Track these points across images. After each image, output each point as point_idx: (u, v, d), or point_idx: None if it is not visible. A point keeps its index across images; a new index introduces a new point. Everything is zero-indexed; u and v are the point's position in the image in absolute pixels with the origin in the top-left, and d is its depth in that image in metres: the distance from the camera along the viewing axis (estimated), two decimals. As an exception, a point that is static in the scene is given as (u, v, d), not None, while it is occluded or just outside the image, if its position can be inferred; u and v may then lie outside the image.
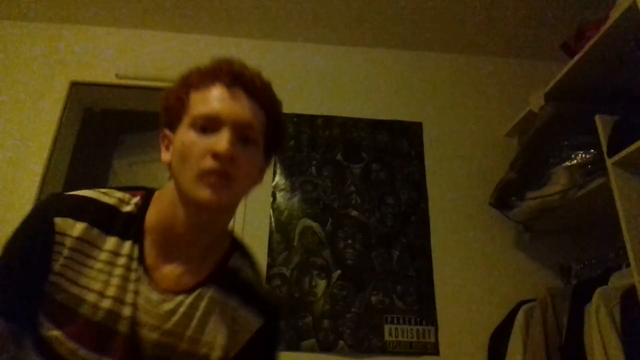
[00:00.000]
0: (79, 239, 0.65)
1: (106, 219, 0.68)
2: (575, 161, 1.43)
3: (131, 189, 0.73)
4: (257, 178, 0.73)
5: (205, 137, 0.66)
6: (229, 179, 0.65)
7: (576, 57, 1.50)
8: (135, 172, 2.44)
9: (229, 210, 0.72)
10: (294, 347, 1.61)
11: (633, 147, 1.19)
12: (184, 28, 2.09)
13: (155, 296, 0.68)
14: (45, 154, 1.82)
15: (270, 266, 1.72)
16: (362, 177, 1.90)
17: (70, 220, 0.65)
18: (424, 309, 1.70)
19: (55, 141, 1.87)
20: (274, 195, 1.84)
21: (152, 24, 2.07)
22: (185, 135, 0.67)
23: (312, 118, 1.99)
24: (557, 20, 1.92)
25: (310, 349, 1.61)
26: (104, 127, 2.37)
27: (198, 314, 0.69)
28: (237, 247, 0.78)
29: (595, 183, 1.38)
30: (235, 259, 0.76)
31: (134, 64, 2.03)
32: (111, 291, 0.66)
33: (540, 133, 1.60)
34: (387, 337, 1.64)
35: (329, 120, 1.99)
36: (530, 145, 1.64)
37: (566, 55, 1.62)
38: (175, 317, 0.68)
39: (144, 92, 2.02)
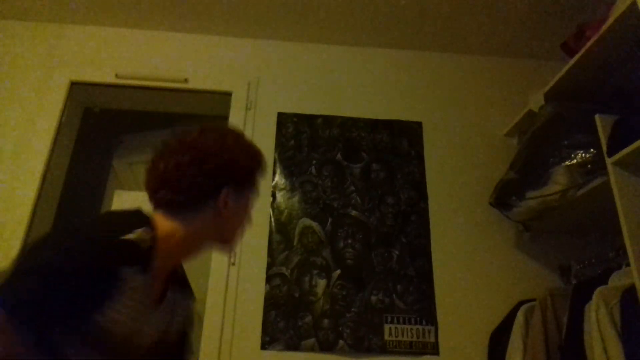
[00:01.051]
0: (131, 283, 0.74)
1: (141, 260, 0.77)
2: (575, 161, 1.43)
3: (139, 223, 0.80)
4: None
5: None
6: None
7: (576, 57, 1.49)
8: (135, 172, 2.45)
9: None
10: (294, 346, 1.61)
11: (633, 146, 1.19)
12: (184, 28, 2.09)
13: (155, 314, 0.84)
14: (45, 154, 1.82)
15: (270, 266, 1.73)
16: (362, 176, 1.90)
17: (127, 268, 0.74)
18: (424, 308, 1.70)
19: (55, 141, 1.87)
20: (274, 195, 1.84)
21: (152, 24, 2.07)
22: (248, 207, 0.95)
23: (312, 118, 1.99)
24: (557, 20, 1.92)
25: (310, 349, 1.61)
26: (104, 127, 2.37)
27: (167, 313, 0.88)
28: None
29: (595, 183, 1.38)
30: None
31: (134, 64, 2.03)
32: (142, 320, 0.79)
33: (540, 133, 1.60)
34: (387, 337, 1.64)
35: (328, 120, 1.99)
36: (530, 144, 1.64)
37: (566, 55, 1.62)
38: (161, 324, 0.86)
39: (144, 92, 2.03)
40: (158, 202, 0.87)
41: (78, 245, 0.71)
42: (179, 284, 0.94)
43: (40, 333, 0.68)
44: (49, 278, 0.67)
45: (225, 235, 0.92)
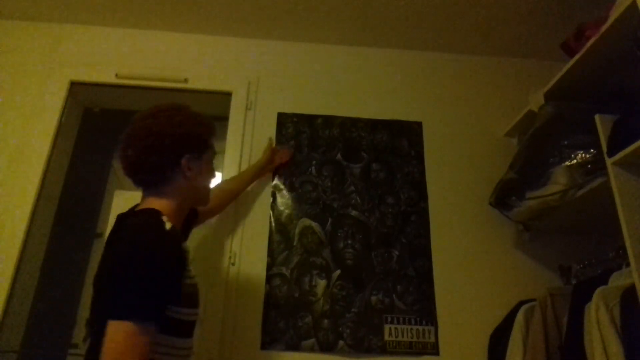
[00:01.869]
0: (189, 252, 1.03)
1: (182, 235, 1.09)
2: (575, 161, 1.43)
3: (156, 213, 1.03)
4: None
5: None
6: None
7: (576, 57, 1.49)
8: (135, 172, 2.44)
9: None
10: (294, 347, 1.61)
11: (633, 147, 1.19)
12: (184, 28, 2.09)
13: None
14: (45, 154, 1.82)
15: (270, 266, 1.73)
16: (362, 177, 1.90)
17: (184, 243, 1.03)
18: (424, 309, 1.70)
19: (55, 141, 1.87)
20: (274, 195, 1.84)
21: (152, 24, 2.07)
22: (209, 165, 1.21)
23: (312, 118, 1.99)
24: (557, 20, 1.92)
25: (310, 349, 1.61)
26: (104, 127, 2.37)
27: None
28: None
29: (595, 183, 1.38)
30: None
31: (134, 64, 2.03)
32: (194, 270, 1.04)
33: (540, 133, 1.60)
34: (387, 337, 1.64)
35: (328, 120, 1.99)
36: (530, 144, 1.64)
37: (566, 55, 1.61)
38: None
39: (144, 92, 2.03)
40: (142, 185, 1.11)
41: (154, 245, 0.94)
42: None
43: (159, 318, 0.90)
44: (150, 278, 0.89)
45: (198, 194, 1.18)
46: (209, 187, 1.22)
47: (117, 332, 0.82)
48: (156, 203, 1.07)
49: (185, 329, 1.00)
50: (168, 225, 0.99)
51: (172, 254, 0.95)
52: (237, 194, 1.73)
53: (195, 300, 1.03)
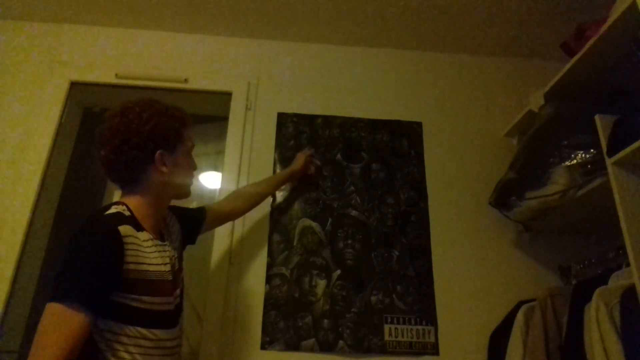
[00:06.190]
0: (132, 236, 0.98)
1: (131, 223, 1.01)
2: (574, 161, 1.43)
3: (116, 204, 1.06)
4: None
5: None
6: None
7: (576, 57, 1.49)
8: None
9: None
10: (294, 347, 1.61)
11: (633, 146, 1.19)
12: (184, 28, 2.09)
13: (164, 248, 1.11)
14: (44, 154, 1.82)
15: (270, 266, 1.73)
16: (362, 177, 1.90)
17: (124, 227, 0.97)
18: (423, 309, 1.70)
19: (55, 141, 1.87)
20: (273, 195, 1.84)
21: (152, 24, 2.07)
22: (187, 158, 1.18)
23: (312, 118, 1.99)
24: (557, 20, 1.92)
25: (310, 349, 1.61)
26: (104, 127, 2.36)
27: (167, 245, 1.15)
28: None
29: (595, 183, 1.38)
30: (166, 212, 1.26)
31: (134, 64, 2.03)
32: (161, 259, 1.05)
33: (540, 133, 1.60)
34: (386, 337, 1.64)
35: (328, 120, 1.99)
36: (530, 144, 1.64)
37: (566, 55, 1.62)
38: (168, 253, 1.12)
39: (144, 92, 2.02)
40: (118, 183, 1.12)
41: (84, 232, 0.96)
42: (167, 227, 1.23)
43: (96, 304, 0.90)
44: (79, 262, 0.91)
45: (178, 188, 1.17)
46: (188, 180, 1.20)
47: (46, 312, 0.86)
48: (132, 199, 1.08)
49: (147, 318, 0.98)
50: (113, 210, 1.00)
51: (101, 239, 0.94)
52: (264, 197, 1.68)
53: (149, 288, 0.99)
